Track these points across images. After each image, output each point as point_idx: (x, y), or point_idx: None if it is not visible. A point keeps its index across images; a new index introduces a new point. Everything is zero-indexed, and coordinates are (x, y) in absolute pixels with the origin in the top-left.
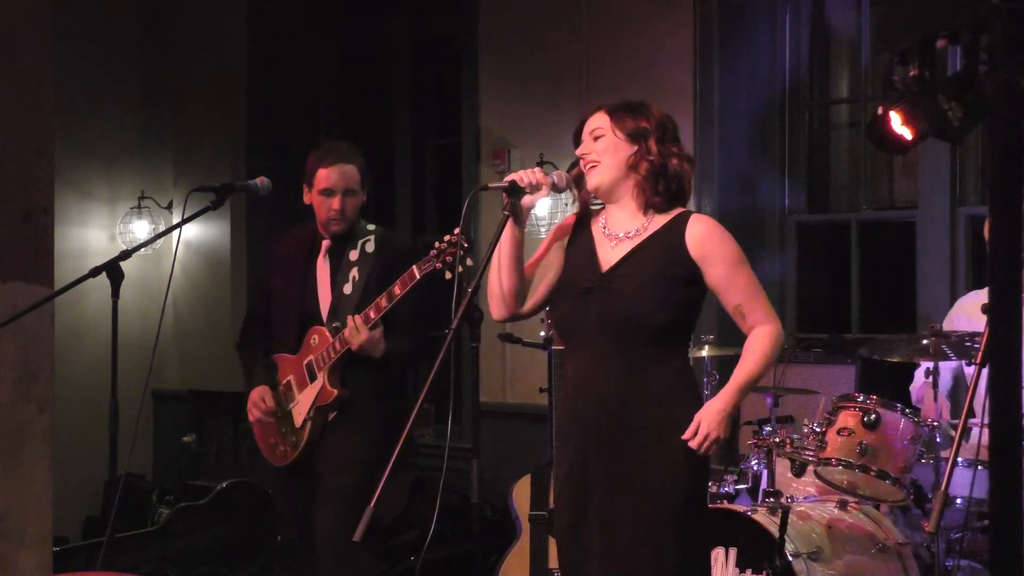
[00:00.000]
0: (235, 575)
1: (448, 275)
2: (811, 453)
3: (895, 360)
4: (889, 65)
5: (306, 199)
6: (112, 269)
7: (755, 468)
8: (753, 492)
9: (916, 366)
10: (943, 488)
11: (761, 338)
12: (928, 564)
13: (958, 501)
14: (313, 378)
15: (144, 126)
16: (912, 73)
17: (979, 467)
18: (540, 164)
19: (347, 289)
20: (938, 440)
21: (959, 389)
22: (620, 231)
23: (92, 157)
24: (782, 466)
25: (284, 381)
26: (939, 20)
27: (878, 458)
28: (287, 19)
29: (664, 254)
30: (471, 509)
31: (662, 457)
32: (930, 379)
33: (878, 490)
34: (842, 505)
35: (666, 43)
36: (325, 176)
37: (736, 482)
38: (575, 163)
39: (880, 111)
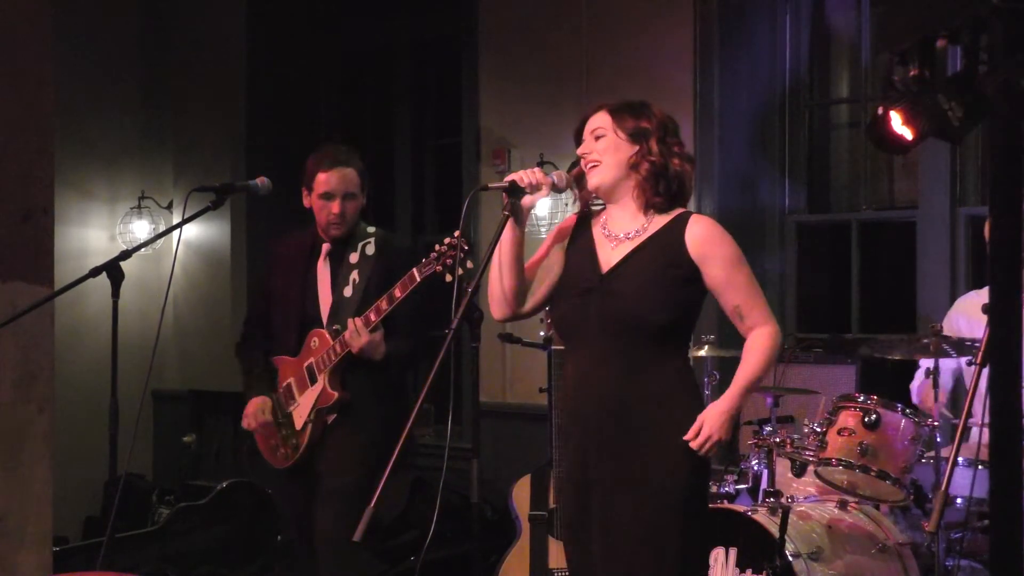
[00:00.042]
0: (235, 575)
1: (448, 278)
2: (811, 453)
3: (896, 358)
4: (889, 65)
5: (306, 202)
6: (112, 269)
7: (755, 468)
8: (753, 492)
9: (916, 366)
10: (943, 488)
11: (760, 340)
12: (928, 564)
13: (958, 501)
14: (314, 381)
15: (144, 126)
16: (912, 73)
17: (979, 467)
18: (540, 164)
19: (347, 292)
20: (938, 440)
21: (959, 389)
22: (620, 232)
23: (92, 157)
24: (782, 466)
25: (284, 383)
26: (939, 20)
27: (878, 458)
28: (287, 19)
29: (664, 254)
30: (471, 509)
31: (662, 457)
32: (930, 379)
33: (878, 490)
34: (842, 505)
35: (666, 43)
36: (324, 180)
37: (736, 482)
38: (575, 163)
39: (880, 111)
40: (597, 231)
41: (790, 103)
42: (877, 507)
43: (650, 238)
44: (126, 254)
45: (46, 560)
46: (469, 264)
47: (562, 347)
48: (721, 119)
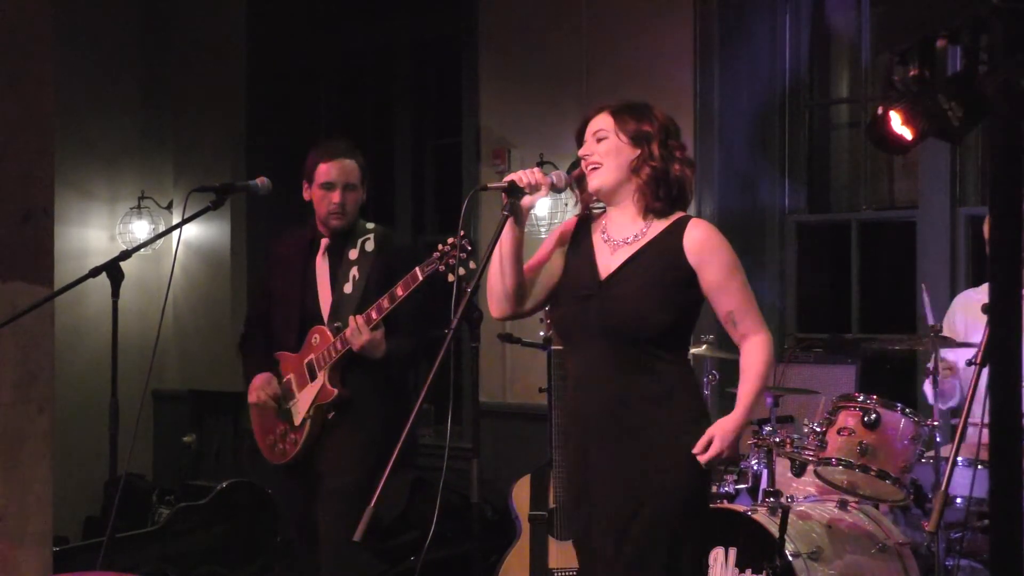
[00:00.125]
0: (235, 575)
1: (451, 278)
2: (811, 453)
3: (899, 348)
4: (889, 65)
5: (306, 195)
6: (112, 269)
7: (755, 468)
8: (753, 492)
9: (919, 364)
10: (943, 488)
11: (756, 353)
12: (928, 564)
13: (958, 501)
14: (313, 377)
15: (144, 126)
16: (912, 73)
17: (979, 467)
18: (540, 164)
19: (347, 288)
20: (938, 440)
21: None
22: (619, 236)
23: (92, 157)
24: (782, 466)
25: (284, 379)
26: (939, 20)
27: (878, 458)
28: (287, 19)
29: (663, 258)
30: (471, 509)
31: (663, 457)
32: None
33: (878, 490)
34: (842, 505)
35: (666, 43)
36: (325, 170)
37: (736, 482)
38: (575, 163)
39: (880, 111)
40: (597, 236)
41: (790, 103)
42: (877, 507)
43: (649, 243)
44: (126, 254)
45: (46, 560)
46: (472, 264)
47: (562, 347)
48: (721, 119)
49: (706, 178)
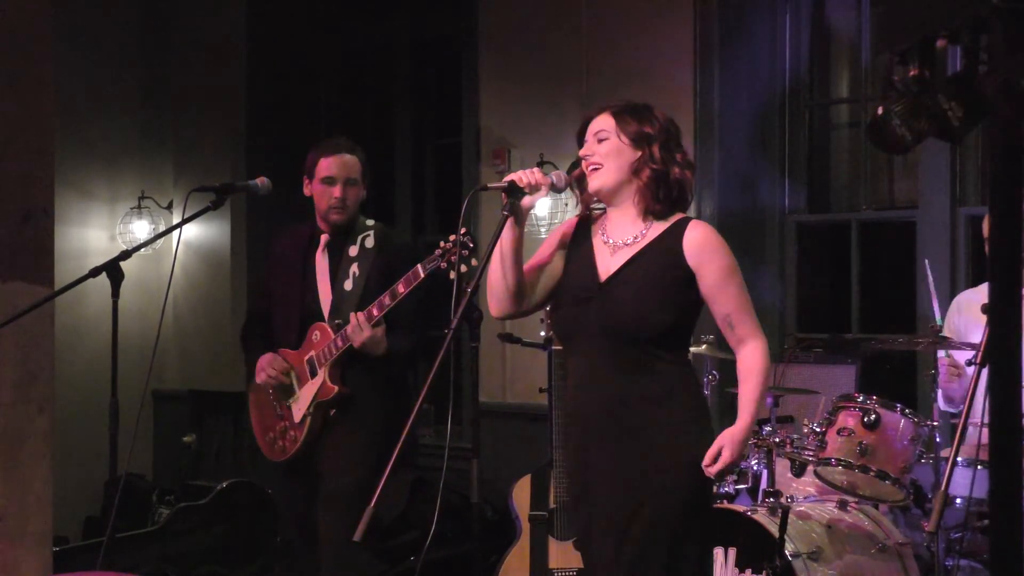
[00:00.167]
0: (235, 575)
1: (452, 275)
2: (811, 453)
3: (901, 348)
4: (889, 65)
5: (306, 191)
6: (112, 269)
7: (755, 468)
8: (753, 492)
9: (919, 364)
10: (943, 488)
11: (754, 361)
12: (928, 564)
13: (958, 501)
14: (314, 374)
15: (144, 126)
16: (912, 73)
17: (979, 467)
18: (540, 164)
19: (347, 285)
20: (938, 440)
21: None
22: (620, 238)
23: (92, 157)
24: (782, 466)
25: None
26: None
27: (878, 458)
28: (287, 19)
29: (663, 260)
30: (471, 509)
31: (663, 457)
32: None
33: (878, 490)
34: (842, 505)
35: (666, 43)
36: (327, 165)
37: (736, 482)
38: (576, 163)
39: (880, 111)
40: (597, 237)
41: (790, 103)
42: (877, 507)
43: (649, 244)
44: (126, 254)
45: (46, 560)
46: (474, 262)
47: (562, 348)
48: (721, 119)
49: (706, 178)
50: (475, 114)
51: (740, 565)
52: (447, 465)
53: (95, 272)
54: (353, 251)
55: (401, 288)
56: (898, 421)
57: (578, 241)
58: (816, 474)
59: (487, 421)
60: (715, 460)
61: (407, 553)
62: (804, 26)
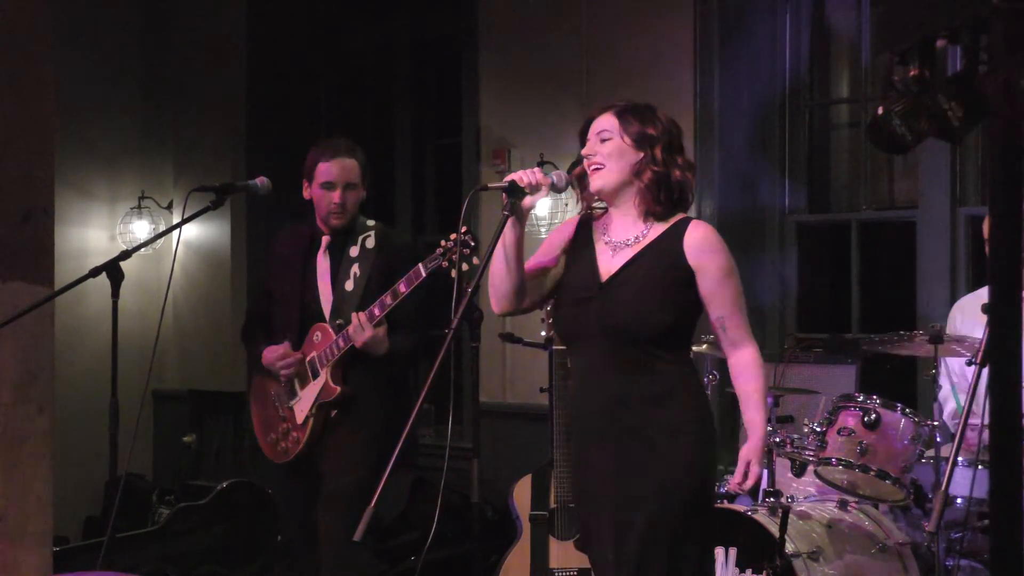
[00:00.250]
0: (235, 575)
1: (454, 274)
2: (811, 453)
3: (901, 354)
4: (889, 65)
5: (305, 194)
6: (112, 269)
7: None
8: (753, 492)
9: (919, 364)
10: (943, 488)
11: (750, 368)
12: (928, 564)
13: (958, 501)
14: (316, 375)
15: (144, 126)
16: (912, 73)
17: (979, 467)
18: (540, 164)
19: (348, 286)
20: (938, 440)
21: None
22: (620, 238)
23: (92, 157)
24: (782, 466)
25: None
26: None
27: (878, 458)
28: (287, 19)
29: (663, 260)
30: (471, 509)
31: (663, 457)
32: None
33: (878, 490)
34: (842, 505)
35: (666, 43)
36: (326, 170)
37: None
38: (576, 162)
39: (880, 111)
40: (598, 237)
41: (790, 103)
42: (877, 507)
43: (649, 244)
44: (126, 254)
45: (46, 560)
46: (475, 260)
47: (563, 347)
48: (721, 119)
49: (706, 178)
50: (475, 114)
51: (740, 565)
52: (447, 465)
53: (95, 272)
54: (354, 251)
55: (403, 287)
56: (898, 421)
57: (579, 241)
58: (816, 474)
59: (487, 421)
60: (744, 477)
61: (407, 553)
62: (804, 26)
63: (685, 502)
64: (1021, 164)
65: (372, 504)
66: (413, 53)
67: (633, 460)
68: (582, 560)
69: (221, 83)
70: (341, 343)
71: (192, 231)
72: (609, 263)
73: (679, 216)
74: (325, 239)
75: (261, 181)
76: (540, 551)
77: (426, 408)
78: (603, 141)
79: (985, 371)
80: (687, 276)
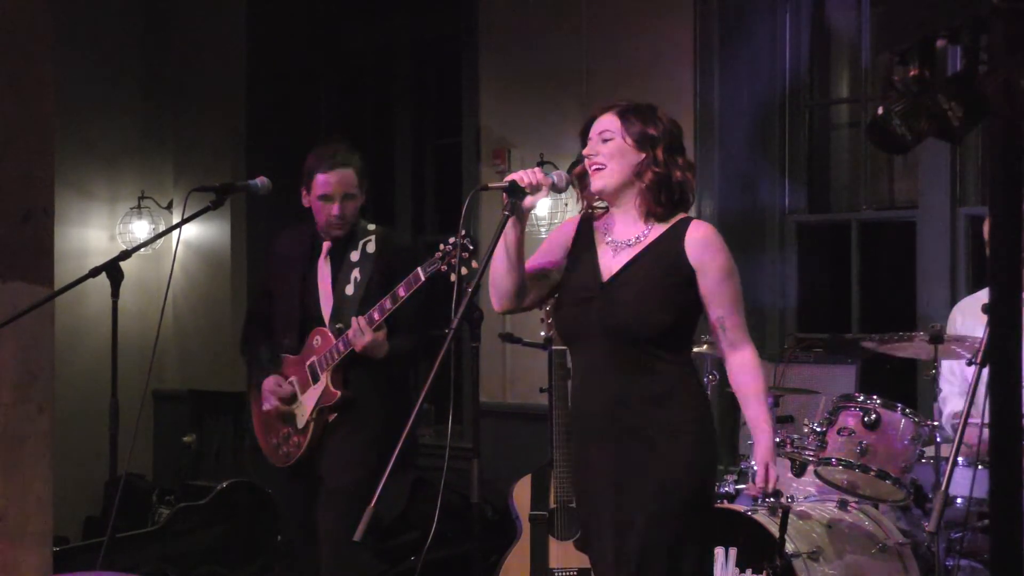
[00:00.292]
0: (235, 575)
1: (453, 278)
2: (811, 453)
3: (902, 356)
4: (889, 65)
5: (305, 202)
6: (112, 269)
7: (755, 468)
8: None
9: (919, 364)
10: (943, 488)
11: (749, 370)
12: (928, 564)
13: (958, 501)
14: (316, 379)
15: (144, 126)
16: (912, 73)
17: (979, 467)
18: (540, 164)
19: (349, 290)
20: (938, 440)
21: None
22: (622, 238)
23: (92, 157)
24: (782, 466)
25: (287, 382)
26: (939, 20)
27: (878, 458)
28: (287, 19)
29: (664, 260)
30: (471, 509)
31: (664, 457)
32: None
33: (878, 490)
34: (842, 505)
35: (666, 43)
36: (323, 182)
37: (736, 482)
38: (576, 162)
39: (880, 111)
40: (599, 237)
41: (790, 103)
42: (877, 507)
43: (650, 245)
44: (126, 254)
45: (46, 560)
46: (475, 264)
47: (563, 347)
48: (721, 119)
49: (706, 178)
50: (475, 114)
51: (740, 565)
52: (447, 465)
53: (95, 272)
54: (354, 256)
55: (402, 292)
56: (898, 421)
57: (580, 240)
58: (816, 474)
59: (487, 421)
60: (765, 480)
61: (407, 553)
62: (804, 26)
63: (685, 502)
64: (1021, 164)
65: (372, 504)
66: (413, 53)
67: (633, 460)
68: (582, 560)
69: (221, 83)
70: (341, 347)
71: (192, 231)
72: (610, 263)
73: (680, 216)
74: (326, 244)
75: (261, 181)
76: (540, 551)
77: (426, 408)
78: (605, 141)
79: (985, 371)
80: (687, 276)
